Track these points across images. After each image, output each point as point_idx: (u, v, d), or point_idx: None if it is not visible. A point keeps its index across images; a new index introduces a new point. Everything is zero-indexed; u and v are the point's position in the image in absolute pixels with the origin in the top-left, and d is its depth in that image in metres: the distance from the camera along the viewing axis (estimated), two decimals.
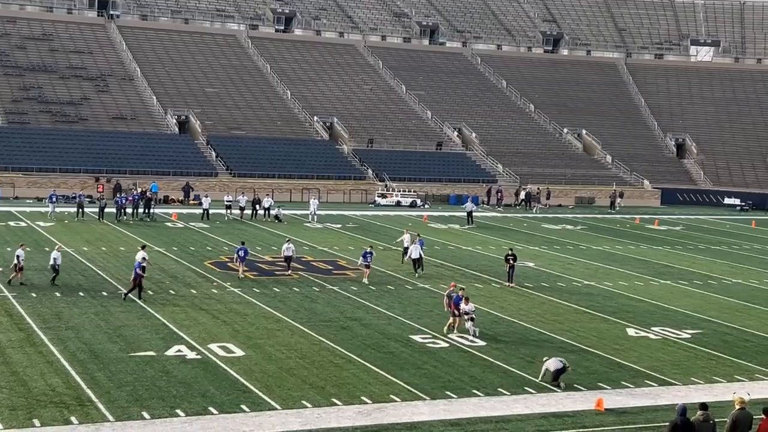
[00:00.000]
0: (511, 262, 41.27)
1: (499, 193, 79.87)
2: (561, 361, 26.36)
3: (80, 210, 57.72)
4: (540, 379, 26.37)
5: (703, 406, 19.94)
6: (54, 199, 58.11)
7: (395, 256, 48.13)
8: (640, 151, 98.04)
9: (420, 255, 42.98)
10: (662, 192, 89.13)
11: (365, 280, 40.18)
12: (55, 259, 36.70)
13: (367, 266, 40.70)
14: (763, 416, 19.58)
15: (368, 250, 41.62)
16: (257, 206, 62.49)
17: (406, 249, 45.41)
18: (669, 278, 45.91)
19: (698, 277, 46.93)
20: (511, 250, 42.48)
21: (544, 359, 26.78)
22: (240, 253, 40.51)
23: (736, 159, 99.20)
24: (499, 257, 49.47)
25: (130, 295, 34.72)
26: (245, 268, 40.76)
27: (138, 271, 34.85)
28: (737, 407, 19.77)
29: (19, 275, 36.35)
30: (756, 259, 54.60)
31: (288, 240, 42.94)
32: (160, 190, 68.19)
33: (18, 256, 36.44)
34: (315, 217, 61.56)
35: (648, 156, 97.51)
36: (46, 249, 44.97)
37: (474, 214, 65.22)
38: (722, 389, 26.77)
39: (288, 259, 41.57)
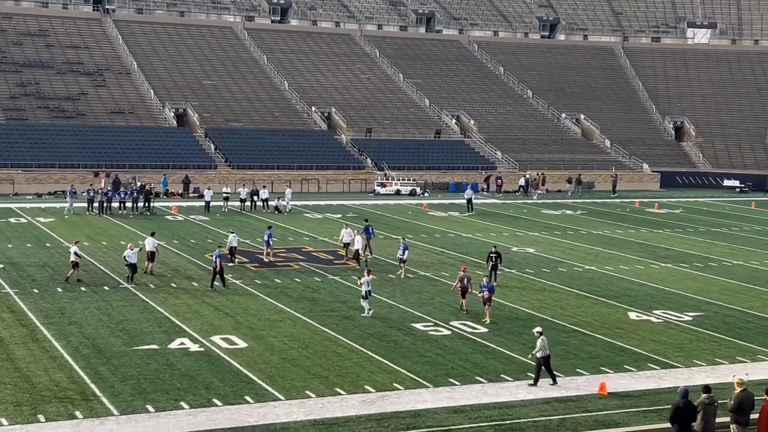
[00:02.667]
0: (494, 260, 38.33)
1: (499, 180, 79.87)
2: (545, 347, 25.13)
3: (91, 204, 57.87)
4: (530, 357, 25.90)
5: (707, 389, 20.05)
6: (73, 194, 59.13)
7: (396, 245, 48.13)
8: (639, 134, 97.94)
9: (405, 257, 40.18)
10: (661, 175, 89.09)
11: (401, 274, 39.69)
12: (128, 257, 36.82)
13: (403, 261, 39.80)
14: (765, 396, 19.69)
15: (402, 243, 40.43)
16: (255, 198, 62.47)
17: (346, 245, 43.65)
18: (670, 261, 45.95)
19: (699, 259, 46.99)
20: (495, 247, 39.81)
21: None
22: (266, 237, 42.76)
23: (734, 141, 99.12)
24: (501, 244, 49.55)
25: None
26: (268, 250, 42.86)
27: (218, 259, 36.02)
28: (738, 389, 19.90)
29: (75, 272, 36.76)
30: (756, 240, 54.64)
31: (232, 231, 43.53)
32: (159, 184, 68.04)
33: (75, 253, 36.89)
34: (289, 206, 61.56)
35: (646, 140, 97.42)
36: (47, 245, 45.04)
37: (474, 201, 65.21)
38: (724, 371, 26.86)
39: (232, 249, 41.45)
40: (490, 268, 38.09)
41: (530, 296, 36.57)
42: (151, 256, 38.31)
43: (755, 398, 20.30)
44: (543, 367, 24.95)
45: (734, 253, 49.26)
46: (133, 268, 36.57)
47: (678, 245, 51.54)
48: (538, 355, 24.84)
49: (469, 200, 64.43)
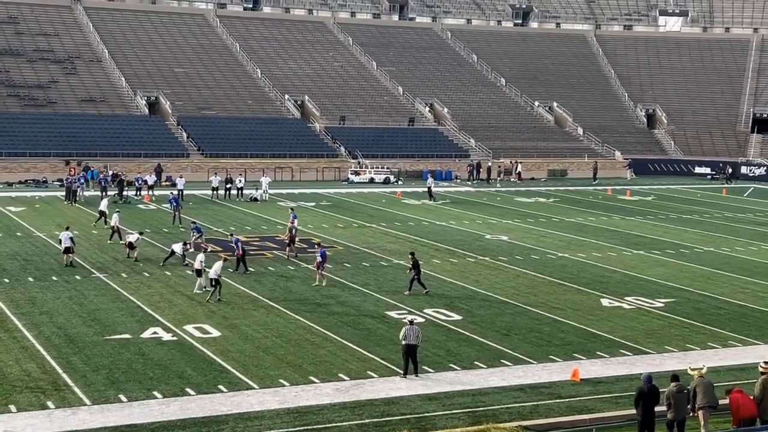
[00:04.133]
0: (410, 268, 34.71)
1: (471, 167, 79.91)
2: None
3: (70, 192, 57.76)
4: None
5: (675, 378, 20.36)
6: (82, 180, 59.68)
7: (370, 233, 48.18)
8: (611, 122, 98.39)
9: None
10: (633, 163, 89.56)
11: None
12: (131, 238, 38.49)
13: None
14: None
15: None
16: (229, 185, 62.21)
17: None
18: (642, 248, 46.25)
19: (670, 246, 47.31)
20: (412, 254, 35.56)
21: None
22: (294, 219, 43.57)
23: (705, 128, 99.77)
24: (474, 231, 49.71)
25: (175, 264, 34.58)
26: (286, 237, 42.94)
27: (239, 245, 37.09)
28: (696, 376, 20.31)
29: (70, 256, 37.07)
30: (727, 227, 55.08)
31: (66, 228, 39.69)
32: (130, 172, 67.44)
33: (61, 240, 37.28)
34: (266, 195, 61.50)
35: (618, 127, 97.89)
36: (18, 234, 44.66)
37: (433, 189, 64.77)
38: (696, 356, 27.10)
39: (67, 249, 38.06)
40: (411, 276, 34.71)
41: (504, 283, 36.69)
42: (67, 249, 37.31)
43: (714, 385, 20.69)
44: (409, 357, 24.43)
45: (706, 240, 49.64)
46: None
47: (650, 232, 51.87)
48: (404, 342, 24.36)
49: (429, 188, 64.35)
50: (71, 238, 37.69)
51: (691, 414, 20.13)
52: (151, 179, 62.76)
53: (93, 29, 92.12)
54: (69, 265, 37.18)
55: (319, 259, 35.31)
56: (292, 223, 42.97)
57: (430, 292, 34.24)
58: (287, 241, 41.40)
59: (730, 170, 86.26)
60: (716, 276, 39.74)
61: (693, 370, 20.84)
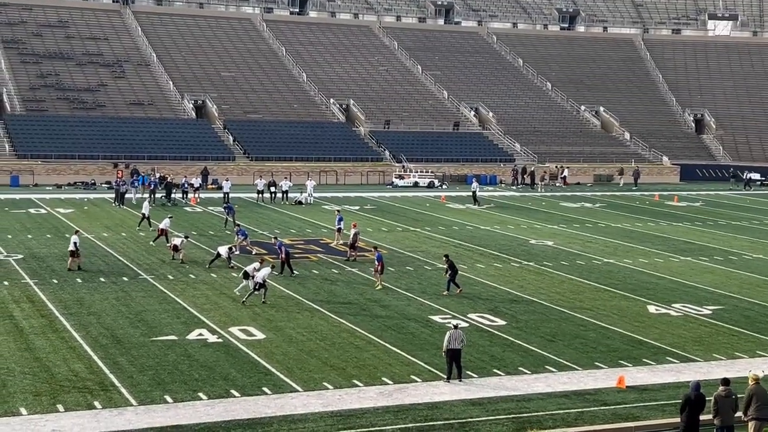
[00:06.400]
0: (446, 270, 35.07)
1: (515, 172, 79.56)
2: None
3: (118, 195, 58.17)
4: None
5: (725, 381, 19.98)
6: (136, 184, 60.07)
7: (414, 237, 48.17)
8: (659, 127, 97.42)
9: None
10: (681, 168, 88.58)
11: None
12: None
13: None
14: None
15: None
16: (273, 189, 62.45)
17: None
18: (689, 254, 45.70)
19: (719, 252, 46.70)
20: (446, 256, 35.92)
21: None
22: (338, 222, 44.95)
23: (755, 133, 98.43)
24: (519, 236, 49.50)
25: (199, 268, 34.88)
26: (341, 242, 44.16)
27: (282, 248, 37.66)
28: (751, 383, 19.85)
29: (76, 260, 37.01)
30: None
31: (76, 232, 40.12)
32: (177, 175, 67.89)
33: (75, 243, 37.18)
34: (311, 198, 61.67)
35: (666, 132, 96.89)
36: (67, 236, 45.21)
37: (478, 193, 64.44)
38: (744, 365, 26.69)
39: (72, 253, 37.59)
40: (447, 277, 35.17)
41: (549, 289, 36.45)
42: (72, 253, 37.34)
43: None
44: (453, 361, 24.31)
45: (755, 247, 48.92)
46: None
47: (698, 238, 51.25)
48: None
49: (474, 193, 64.02)
50: (75, 243, 37.47)
51: (743, 419, 19.69)
52: (196, 182, 63.28)
53: (141, 33, 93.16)
54: (75, 269, 36.84)
55: (376, 263, 35.61)
56: (353, 226, 42.82)
57: (463, 291, 34.36)
58: (350, 244, 41.58)
59: (749, 176, 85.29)
60: (765, 284, 39.13)
61: (753, 375, 20.20)
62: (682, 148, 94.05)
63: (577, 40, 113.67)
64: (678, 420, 20.51)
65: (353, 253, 41.03)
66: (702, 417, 19.92)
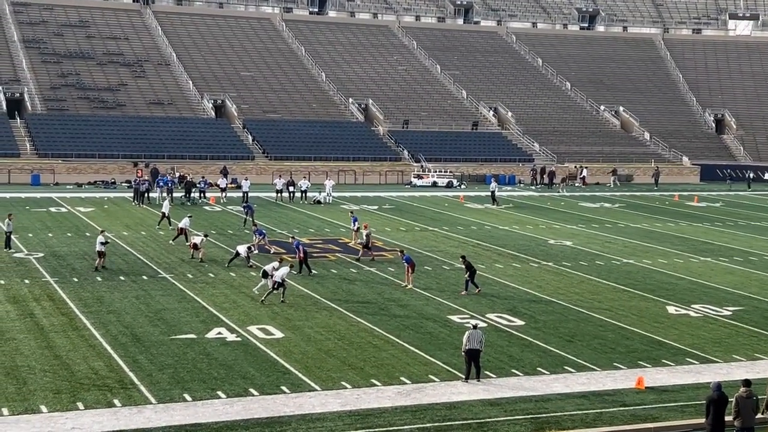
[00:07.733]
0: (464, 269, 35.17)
1: (534, 171, 79.38)
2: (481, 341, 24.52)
3: (138, 194, 58.25)
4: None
5: (746, 383, 19.90)
6: (161, 184, 59.88)
7: (432, 237, 48.15)
8: (679, 127, 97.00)
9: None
10: (701, 168, 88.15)
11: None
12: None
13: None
14: None
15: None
16: (291, 188, 62.54)
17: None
18: (709, 255, 45.48)
19: (739, 253, 46.45)
20: (463, 257, 35.90)
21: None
22: (353, 222, 45.02)
23: None
24: (537, 236, 49.41)
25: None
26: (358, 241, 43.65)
27: (300, 247, 37.75)
28: None
29: (101, 261, 37.11)
30: None
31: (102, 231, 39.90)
32: (197, 174, 68.08)
33: (102, 243, 37.23)
34: (330, 197, 61.77)
35: (686, 132, 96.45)
36: (87, 234, 45.47)
37: (496, 193, 64.26)
38: (764, 366, 26.56)
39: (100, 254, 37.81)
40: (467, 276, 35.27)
41: (567, 289, 36.37)
42: (99, 254, 37.41)
43: None
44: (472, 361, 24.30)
45: None
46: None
47: (717, 239, 50.99)
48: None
49: (493, 192, 63.84)
50: (102, 243, 37.55)
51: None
52: (223, 182, 63.27)
53: (161, 33, 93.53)
54: (100, 269, 37.02)
55: (406, 265, 35.96)
56: (365, 227, 43.01)
57: (482, 291, 34.48)
58: (364, 244, 41.53)
59: (752, 175, 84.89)
60: None
61: None
62: (702, 149, 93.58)
63: (597, 39, 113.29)
64: (698, 421, 20.44)
65: (371, 254, 41.07)
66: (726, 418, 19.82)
